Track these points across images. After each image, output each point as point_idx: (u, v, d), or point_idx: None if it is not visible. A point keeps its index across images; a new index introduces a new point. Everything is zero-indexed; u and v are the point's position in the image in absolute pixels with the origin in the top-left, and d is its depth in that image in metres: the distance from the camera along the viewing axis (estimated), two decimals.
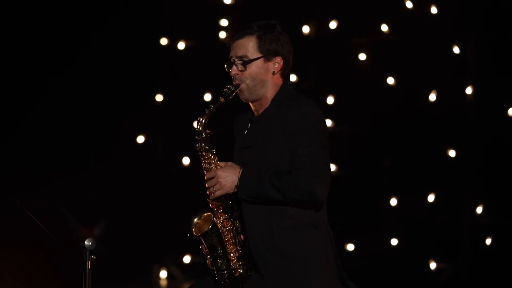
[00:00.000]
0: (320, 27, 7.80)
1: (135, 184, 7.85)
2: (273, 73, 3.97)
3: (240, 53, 3.94)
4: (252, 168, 3.85)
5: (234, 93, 3.94)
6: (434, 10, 7.40)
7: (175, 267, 8.10)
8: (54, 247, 4.50)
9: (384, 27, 7.58)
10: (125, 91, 7.93)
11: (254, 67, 3.94)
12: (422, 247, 7.48)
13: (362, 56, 7.67)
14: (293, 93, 3.98)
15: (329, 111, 7.72)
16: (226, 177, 3.85)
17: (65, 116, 7.75)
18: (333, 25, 7.73)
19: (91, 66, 7.83)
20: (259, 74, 3.95)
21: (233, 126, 4.19)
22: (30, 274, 6.95)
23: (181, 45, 8.14)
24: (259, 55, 3.94)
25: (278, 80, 3.99)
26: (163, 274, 8.15)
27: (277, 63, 3.97)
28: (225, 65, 3.99)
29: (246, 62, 3.93)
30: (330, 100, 7.77)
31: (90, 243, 3.80)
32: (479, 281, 7.29)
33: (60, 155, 7.62)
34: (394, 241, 7.53)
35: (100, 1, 7.90)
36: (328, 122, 7.73)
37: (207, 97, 7.98)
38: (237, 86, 3.94)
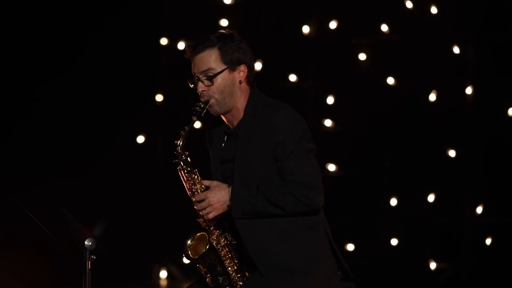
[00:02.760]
0: (320, 27, 7.79)
1: (135, 184, 7.84)
2: (240, 82, 3.92)
3: (204, 68, 3.89)
4: (242, 186, 3.82)
5: (205, 110, 3.90)
6: (434, 10, 7.40)
7: (175, 267, 8.10)
8: (54, 247, 4.49)
9: (384, 27, 7.57)
10: (125, 91, 7.92)
11: (220, 80, 3.88)
12: (422, 247, 7.48)
13: (362, 56, 7.67)
14: (264, 99, 3.95)
15: (329, 111, 7.72)
16: (217, 199, 3.83)
17: (65, 116, 7.75)
18: (333, 25, 7.72)
19: (91, 66, 7.83)
20: (227, 86, 3.89)
21: (206, 141, 4.14)
22: (30, 274, 6.95)
23: (181, 45, 8.13)
24: (223, 66, 3.88)
25: (245, 88, 3.94)
26: (163, 274, 8.15)
27: (242, 71, 3.91)
28: (188, 83, 3.95)
29: (211, 76, 3.88)
30: (330, 100, 7.77)
31: (90, 243, 3.80)
32: (479, 281, 7.28)
33: (60, 155, 7.62)
34: (394, 241, 7.53)
35: (100, 1, 7.90)
36: (328, 122, 7.73)
37: None
38: (207, 102, 3.90)
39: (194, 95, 8.51)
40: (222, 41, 3.88)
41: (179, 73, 8.22)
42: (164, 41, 8.20)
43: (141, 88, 8.07)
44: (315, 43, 7.80)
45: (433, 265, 7.43)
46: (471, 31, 7.34)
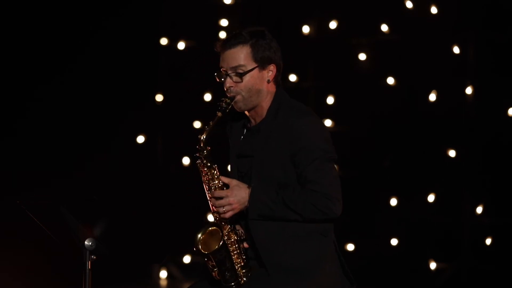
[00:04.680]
0: (320, 27, 7.79)
1: (135, 184, 7.84)
2: (268, 82, 3.91)
3: (234, 64, 3.86)
4: (261, 188, 3.82)
5: (230, 106, 3.87)
6: (434, 10, 7.40)
7: (175, 267, 8.10)
8: (54, 247, 4.49)
9: (384, 27, 7.57)
10: (125, 91, 7.92)
11: (249, 78, 3.86)
12: (422, 247, 7.48)
13: (362, 56, 7.67)
14: (289, 101, 3.93)
15: (329, 111, 7.72)
16: (237, 199, 3.82)
17: (65, 116, 7.75)
18: (333, 25, 7.72)
19: (91, 66, 7.83)
20: (255, 84, 3.87)
21: (226, 130, 4.13)
22: (30, 274, 6.95)
23: (181, 45, 8.13)
24: (254, 64, 3.86)
25: (272, 87, 3.94)
26: (163, 274, 8.15)
27: (271, 71, 3.90)
28: (216, 76, 3.93)
29: (241, 73, 3.85)
30: (330, 100, 7.77)
31: (90, 243, 3.80)
32: (479, 281, 7.28)
33: (60, 155, 7.62)
34: (394, 241, 7.53)
35: (100, 1, 7.90)
36: (328, 122, 7.73)
37: (207, 97, 7.97)
38: (233, 98, 3.87)
39: (194, 95, 8.49)
40: (255, 39, 3.87)
41: (179, 73, 8.23)
42: (164, 41, 8.20)
43: (141, 88, 8.07)
44: (315, 43, 7.80)
45: (433, 265, 7.43)
46: (471, 31, 7.33)
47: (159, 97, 8.23)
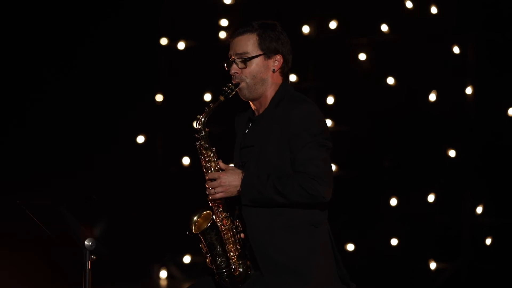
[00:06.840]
0: (320, 27, 7.80)
1: (135, 184, 7.85)
2: (273, 71, 3.95)
3: (240, 50, 3.92)
4: (254, 173, 3.84)
5: (234, 92, 3.93)
6: (434, 10, 7.40)
7: (175, 267, 8.10)
8: (54, 247, 4.50)
9: (384, 27, 7.58)
10: (125, 91, 7.93)
11: (254, 65, 3.92)
12: (422, 247, 7.48)
13: (362, 56, 7.67)
14: (292, 93, 3.97)
15: (329, 111, 7.73)
16: (229, 182, 3.85)
17: (65, 116, 7.75)
18: (333, 25, 7.73)
19: (91, 66, 7.84)
20: (259, 72, 3.93)
21: (234, 125, 4.17)
22: (30, 274, 6.95)
23: (181, 45, 8.14)
24: (259, 52, 3.92)
25: (278, 79, 3.98)
26: (163, 274, 8.15)
27: (277, 61, 3.96)
28: (225, 64, 3.97)
29: (246, 59, 3.91)
30: (330, 100, 7.77)
31: (90, 243, 3.80)
32: (479, 281, 7.29)
33: (60, 155, 7.62)
34: (394, 241, 7.53)
35: (100, 1, 7.90)
36: (328, 122, 7.73)
37: (207, 97, 7.98)
38: (237, 84, 3.93)
39: (194, 95, 8.48)
40: (263, 29, 3.94)
41: (179, 73, 8.24)
42: (164, 41, 8.20)
43: (141, 88, 8.07)
44: (315, 43, 7.81)
45: (433, 265, 7.43)
46: (471, 31, 7.34)
47: (159, 97, 8.23)
